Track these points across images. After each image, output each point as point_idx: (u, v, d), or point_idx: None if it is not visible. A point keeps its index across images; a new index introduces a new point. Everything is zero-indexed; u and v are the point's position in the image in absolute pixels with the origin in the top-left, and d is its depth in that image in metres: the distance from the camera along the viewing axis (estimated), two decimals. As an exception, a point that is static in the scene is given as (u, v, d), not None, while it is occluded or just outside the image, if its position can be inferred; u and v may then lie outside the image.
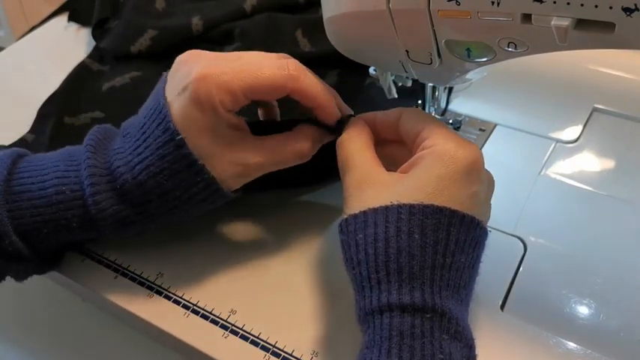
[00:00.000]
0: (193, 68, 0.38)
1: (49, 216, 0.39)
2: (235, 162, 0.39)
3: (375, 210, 0.35)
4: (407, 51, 0.38)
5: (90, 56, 0.66)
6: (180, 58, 0.40)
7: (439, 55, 0.37)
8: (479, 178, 0.36)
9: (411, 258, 0.33)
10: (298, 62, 0.40)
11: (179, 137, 0.37)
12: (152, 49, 0.63)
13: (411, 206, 0.34)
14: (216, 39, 0.64)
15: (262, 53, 0.41)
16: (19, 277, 0.43)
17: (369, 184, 0.37)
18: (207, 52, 0.40)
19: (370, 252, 0.34)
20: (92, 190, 0.39)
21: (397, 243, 0.34)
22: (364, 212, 0.35)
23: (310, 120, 0.42)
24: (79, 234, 0.41)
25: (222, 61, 0.38)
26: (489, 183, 0.38)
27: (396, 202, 0.34)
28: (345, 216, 0.37)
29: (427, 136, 0.37)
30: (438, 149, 0.36)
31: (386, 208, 0.35)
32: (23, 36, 0.72)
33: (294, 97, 0.40)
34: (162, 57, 0.64)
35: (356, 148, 0.39)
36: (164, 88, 0.39)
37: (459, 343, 0.33)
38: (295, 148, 0.41)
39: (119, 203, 0.39)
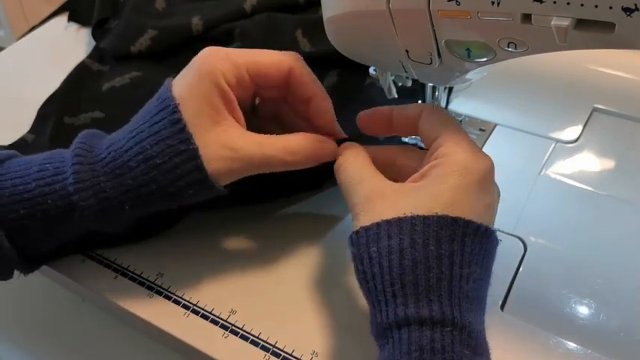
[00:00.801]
0: (203, 52, 0.40)
1: (27, 204, 0.38)
2: (223, 144, 0.38)
3: (388, 222, 0.34)
4: (407, 51, 0.38)
5: (90, 56, 0.66)
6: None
7: (439, 55, 0.37)
8: (492, 189, 0.36)
9: (428, 270, 0.32)
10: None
11: (173, 103, 0.38)
12: (152, 49, 0.63)
13: (426, 217, 0.33)
14: (216, 39, 0.64)
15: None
16: (2, 276, 0.42)
17: (380, 196, 0.36)
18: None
19: (385, 265, 0.33)
20: (73, 169, 0.38)
21: (412, 255, 0.33)
22: (377, 224, 0.34)
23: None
24: (57, 225, 0.39)
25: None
26: (498, 194, 0.38)
27: (409, 214, 0.34)
28: (356, 228, 0.36)
29: (442, 144, 0.37)
30: (452, 160, 0.35)
31: (399, 220, 0.34)
32: (23, 36, 0.72)
33: (292, 87, 0.40)
34: (163, 57, 0.64)
35: (356, 166, 0.39)
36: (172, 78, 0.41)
37: (480, 357, 0.32)
38: (287, 145, 0.39)
39: (99, 180, 0.38)
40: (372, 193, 0.36)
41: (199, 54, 0.40)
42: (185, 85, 0.39)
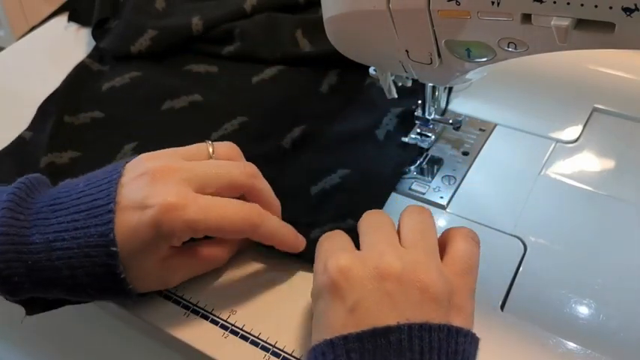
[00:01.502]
0: (161, 192, 0.37)
1: None
2: (160, 278, 0.40)
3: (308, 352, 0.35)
4: (407, 51, 0.38)
5: (90, 56, 0.66)
6: (146, 164, 0.38)
7: (439, 55, 0.37)
8: (346, 291, 0.34)
9: None
10: (260, 208, 0.40)
11: (114, 249, 0.36)
12: (152, 49, 0.63)
13: (309, 351, 0.34)
14: (216, 39, 0.64)
15: (229, 173, 0.40)
16: None
17: None
18: (174, 161, 0.39)
19: None
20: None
21: None
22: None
23: None
24: None
25: (189, 186, 0.38)
26: (390, 278, 0.34)
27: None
28: None
29: None
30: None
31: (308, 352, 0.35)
32: (23, 36, 0.72)
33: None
34: (163, 57, 0.64)
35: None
36: (118, 182, 0.38)
37: None
38: (214, 255, 0.42)
39: (23, 274, 0.37)
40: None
41: (158, 201, 0.36)
42: (134, 234, 0.37)
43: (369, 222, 0.39)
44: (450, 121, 0.51)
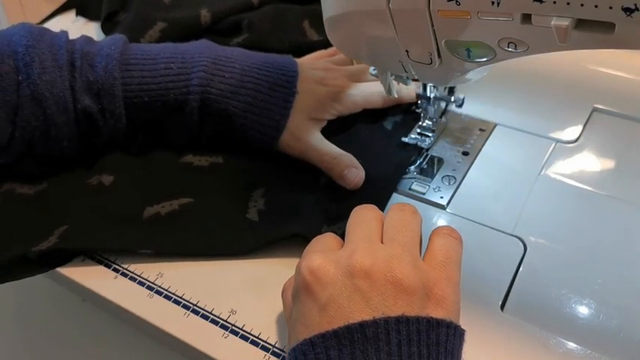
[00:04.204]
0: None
1: (153, 93, 0.49)
2: (295, 133, 0.50)
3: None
4: (407, 51, 0.38)
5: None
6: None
7: (439, 55, 0.37)
8: (323, 285, 0.34)
9: None
10: None
11: (294, 90, 0.50)
12: (161, 42, 0.63)
13: (289, 352, 0.34)
14: (224, 31, 0.64)
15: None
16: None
17: None
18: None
19: None
20: (199, 75, 0.49)
21: None
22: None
23: None
24: (170, 112, 0.49)
25: None
26: (361, 274, 0.34)
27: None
28: None
29: None
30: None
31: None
32: (23, 36, 0.71)
33: None
34: None
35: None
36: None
37: None
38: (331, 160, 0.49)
39: (211, 90, 0.49)
40: None
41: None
42: (308, 89, 0.50)
43: (355, 218, 0.39)
44: (452, 99, 0.51)
